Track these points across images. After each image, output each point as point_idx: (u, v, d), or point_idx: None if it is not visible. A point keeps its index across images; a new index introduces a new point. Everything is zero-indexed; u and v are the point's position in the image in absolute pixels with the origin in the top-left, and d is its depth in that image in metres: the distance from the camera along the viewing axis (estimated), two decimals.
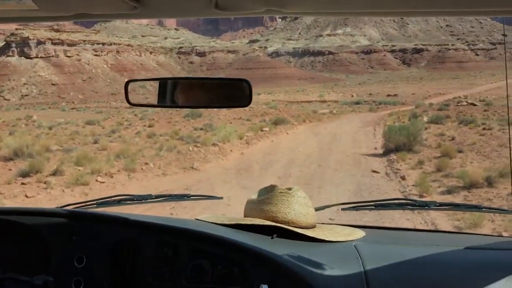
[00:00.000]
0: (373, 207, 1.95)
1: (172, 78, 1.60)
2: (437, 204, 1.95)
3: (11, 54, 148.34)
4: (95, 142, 16.97)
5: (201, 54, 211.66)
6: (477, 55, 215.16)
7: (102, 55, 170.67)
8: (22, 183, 10.12)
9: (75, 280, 1.59)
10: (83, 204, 2.00)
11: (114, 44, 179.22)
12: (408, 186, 9.58)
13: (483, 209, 1.99)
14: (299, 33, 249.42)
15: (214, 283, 1.50)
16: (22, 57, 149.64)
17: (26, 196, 9.11)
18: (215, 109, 20.94)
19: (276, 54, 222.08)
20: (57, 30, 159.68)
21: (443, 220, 6.84)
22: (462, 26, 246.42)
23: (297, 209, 1.68)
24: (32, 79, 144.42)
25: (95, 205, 2.00)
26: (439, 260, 1.45)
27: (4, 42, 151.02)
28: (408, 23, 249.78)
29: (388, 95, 78.44)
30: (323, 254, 1.49)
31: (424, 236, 1.99)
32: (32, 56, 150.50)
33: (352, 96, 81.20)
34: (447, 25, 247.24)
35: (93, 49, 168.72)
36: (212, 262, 1.51)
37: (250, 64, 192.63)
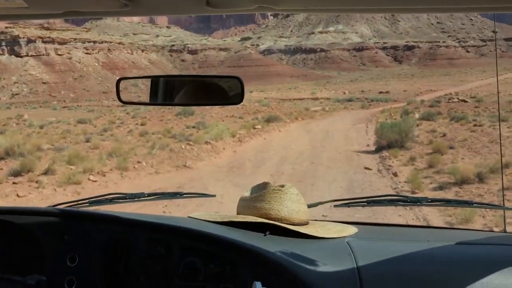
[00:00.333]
0: (366, 203, 1.96)
1: (164, 76, 1.60)
2: (429, 200, 1.96)
3: (1, 52, 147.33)
4: (87, 141, 16.89)
5: (193, 52, 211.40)
6: (467, 52, 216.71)
7: (93, 53, 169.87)
8: (14, 183, 10.04)
9: (68, 279, 1.58)
10: (75, 203, 1.99)
11: (106, 42, 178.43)
12: (400, 182, 9.62)
13: (474, 205, 2.01)
14: (291, 31, 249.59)
15: (206, 281, 1.49)
16: (12, 56, 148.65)
17: (18, 196, 9.04)
18: (207, 107, 20.96)
19: (268, 51, 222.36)
20: (47, 28, 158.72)
21: (434, 216, 6.88)
22: (453, 23, 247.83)
23: (290, 206, 1.68)
24: (22, 77, 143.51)
25: (88, 204, 2.00)
26: (431, 255, 1.46)
27: None
28: (399, 20, 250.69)
29: (380, 92, 78.84)
30: (316, 250, 1.49)
31: (416, 232, 2.00)
32: (22, 54, 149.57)
33: (344, 93, 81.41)
34: (438, 22, 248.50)
35: (84, 47, 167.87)
36: (205, 260, 1.50)
37: (242, 62, 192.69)
